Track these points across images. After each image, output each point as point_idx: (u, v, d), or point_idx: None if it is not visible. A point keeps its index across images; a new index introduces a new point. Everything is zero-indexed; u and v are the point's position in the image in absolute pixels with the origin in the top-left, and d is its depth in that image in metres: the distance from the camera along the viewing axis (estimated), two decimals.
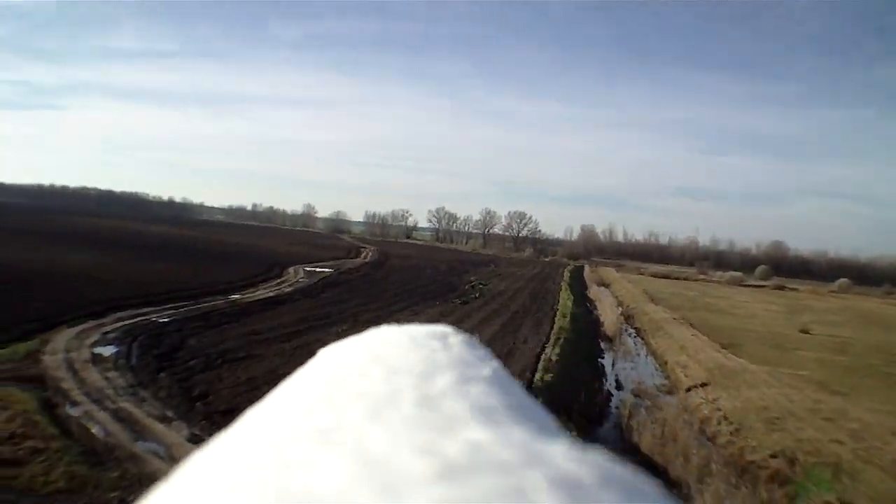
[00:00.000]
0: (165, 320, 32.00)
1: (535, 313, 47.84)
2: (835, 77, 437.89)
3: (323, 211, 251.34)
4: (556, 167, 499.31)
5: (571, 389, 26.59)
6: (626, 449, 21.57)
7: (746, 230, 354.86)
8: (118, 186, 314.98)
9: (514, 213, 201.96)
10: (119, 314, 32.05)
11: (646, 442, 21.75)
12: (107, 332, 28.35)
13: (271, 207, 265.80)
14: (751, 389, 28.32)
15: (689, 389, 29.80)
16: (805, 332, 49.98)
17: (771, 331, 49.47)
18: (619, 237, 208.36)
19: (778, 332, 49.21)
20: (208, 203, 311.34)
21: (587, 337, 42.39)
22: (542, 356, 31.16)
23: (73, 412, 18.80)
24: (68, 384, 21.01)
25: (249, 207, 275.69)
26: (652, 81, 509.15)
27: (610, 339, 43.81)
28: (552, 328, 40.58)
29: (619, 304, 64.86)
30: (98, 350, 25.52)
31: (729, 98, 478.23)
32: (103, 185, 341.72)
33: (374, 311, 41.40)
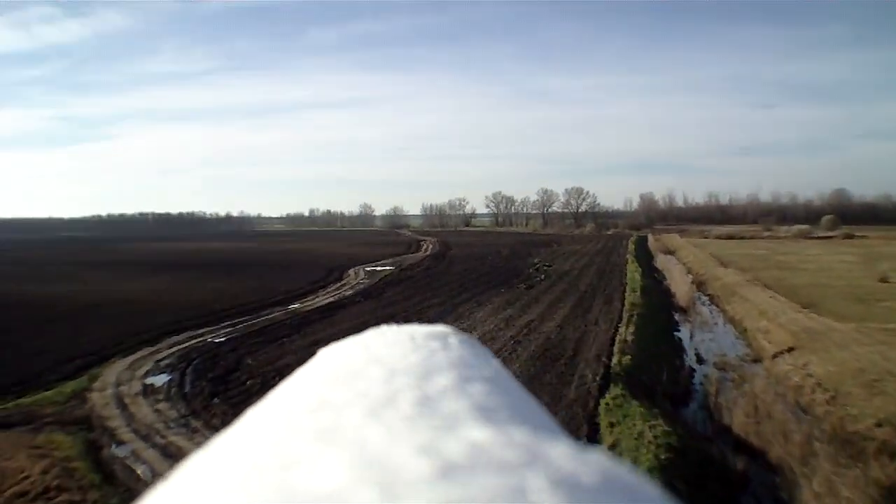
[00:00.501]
0: (221, 340, 31.13)
1: (604, 290, 46.65)
2: (877, 14, 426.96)
3: (380, 208, 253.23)
4: (609, 139, 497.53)
5: (651, 370, 25.41)
6: (718, 431, 20.37)
7: (807, 181, 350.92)
8: (175, 208, 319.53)
9: (572, 189, 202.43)
10: (174, 338, 31.35)
11: (738, 421, 20.25)
12: (160, 360, 27.56)
13: (328, 211, 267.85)
14: (841, 350, 26.82)
15: (774, 356, 28.30)
16: (885, 280, 48.28)
17: (850, 284, 47.60)
18: (679, 202, 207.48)
19: (857, 284, 47.35)
20: (266, 214, 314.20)
21: (660, 310, 40.96)
22: (617, 337, 29.83)
23: (119, 452, 17.97)
24: (116, 422, 20.16)
25: (307, 213, 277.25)
26: (694, 42, 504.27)
27: (684, 310, 42.35)
28: (623, 305, 39.33)
29: (689, 271, 63.30)
30: (150, 380, 24.72)
31: (773, 49, 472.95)
32: (160, 208, 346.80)
33: (438, 305, 40.38)
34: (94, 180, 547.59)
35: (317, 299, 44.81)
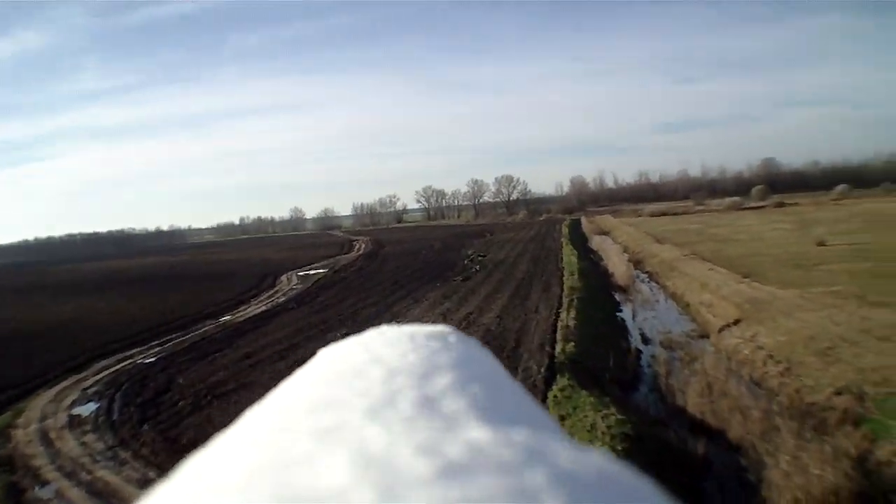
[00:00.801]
0: (151, 360, 29.60)
1: (542, 276, 45.60)
2: None
3: (311, 211, 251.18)
4: (535, 125, 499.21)
5: (597, 355, 24.44)
6: (673, 413, 19.43)
7: (735, 154, 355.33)
8: (104, 227, 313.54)
9: (502, 177, 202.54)
10: (103, 362, 29.78)
11: (692, 401, 19.40)
12: (87, 387, 25.91)
13: (259, 217, 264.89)
14: (788, 318, 26.23)
15: (721, 330, 27.65)
16: (822, 244, 48.30)
17: (787, 251, 47.38)
18: (610, 183, 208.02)
19: (794, 251, 47.08)
20: (196, 225, 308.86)
21: (600, 291, 40.30)
22: (559, 323, 28.71)
23: (43, 494, 16.51)
24: (40, 460, 18.64)
25: (237, 222, 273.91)
26: (615, 23, 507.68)
27: (624, 290, 41.79)
28: (562, 290, 38.30)
29: (625, 250, 62.74)
30: (76, 410, 23.06)
31: (696, 24, 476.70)
32: (89, 228, 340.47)
33: (373, 305, 39.13)
34: (20, 205, 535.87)
35: (248, 309, 43.39)
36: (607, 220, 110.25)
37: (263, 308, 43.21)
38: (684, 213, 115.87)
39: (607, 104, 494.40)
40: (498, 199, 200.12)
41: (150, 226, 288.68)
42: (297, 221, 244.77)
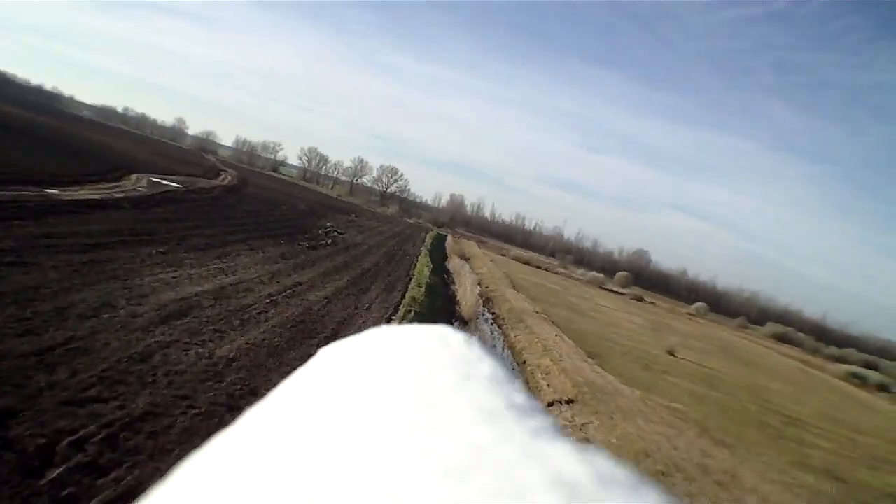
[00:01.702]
0: None
1: (388, 276, 42.25)
2: (722, 102, 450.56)
3: (194, 128, 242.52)
4: (435, 131, 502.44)
5: None
6: None
7: (612, 232, 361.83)
8: None
9: (387, 167, 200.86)
10: None
11: None
12: None
13: (143, 115, 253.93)
14: (626, 421, 23.52)
15: (550, 405, 24.75)
16: (672, 354, 46.72)
17: (637, 347, 45.52)
18: (487, 214, 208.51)
19: (644, 349, 45.18)
20: (78, 98, 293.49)
21: (440, 314, 36.96)
22: None
23: None
24: None
25: (120, 110, 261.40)
26: (545, 65, 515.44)
27: (465, 322, 38.69)
28: (403, 297, 35.30)
29: (479, 283, 59.70)
30: None
31: (616, 98, 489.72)
32: None
33: (207, 237, 34.89)
34: None
35: (80, 191, 38.34)
36: (472, 247, 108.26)
37: (95, 196, 38.11)
38: (547, 269, 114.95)
39: (510, 138, 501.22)
40: (375, 187, 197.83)
41: (33, 79, 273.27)
42: (177, 132, 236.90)
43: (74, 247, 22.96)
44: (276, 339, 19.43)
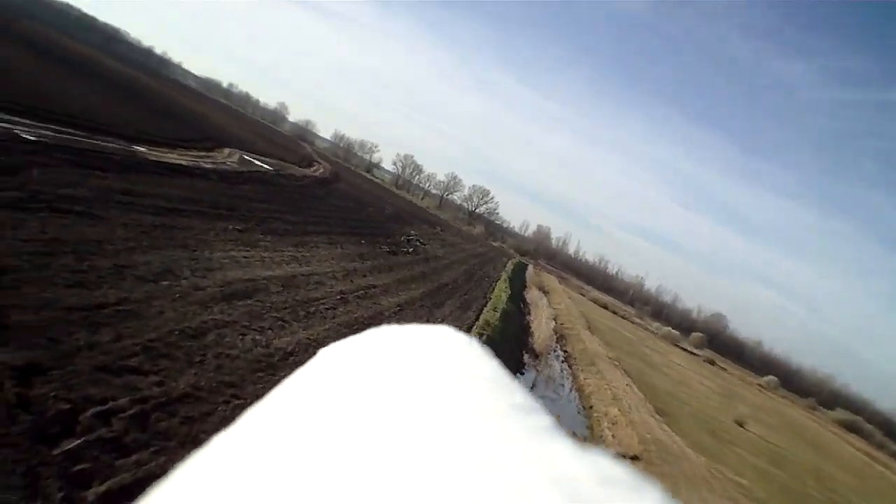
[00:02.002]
0: (29, 137, 23.87)
1: (465, 294, 41.25)
2: (822, 181, 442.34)
3: (295, 115, 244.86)
4: (531, 160, 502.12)
5: None
6: None
7: (689, 289, 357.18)
8: (102, 15, 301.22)
9: (478, 187, 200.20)
10: None
11: None
12: None
13: (247, 93, 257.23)
14: (691, 489, 22.34)
15: (614, 458, 23.30)
16: (740, 424, 45.53)
17: (705, 410, 44.45)
18: (571, 250, 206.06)
19: (713, 415, 44.02)
20: (186, 66, 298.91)
21: (512, 343, 36.01)
22: None
23: None
24: None
25: (225, 85, 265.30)
26: (647, 113, 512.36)
27: (536, 355, 37.63)
28: (477, 318, 34.21)
29: (555, 317, 58.28)
30: None
31: (713, 159, 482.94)
32: (89, 9, 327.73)
33: (289, 223, 34.15)
34: None
35: (168, 155, 37.84)
36: (552, 281, 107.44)
37: (184, 162, 37.57)
38: (623, 316, 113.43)
39: (604, 179, 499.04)
40: (465, 205, 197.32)
41: (145, 41, 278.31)
42: (277, 116, 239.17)
43: (149, 208, 22.16)
44: (339, 339, 18.51)
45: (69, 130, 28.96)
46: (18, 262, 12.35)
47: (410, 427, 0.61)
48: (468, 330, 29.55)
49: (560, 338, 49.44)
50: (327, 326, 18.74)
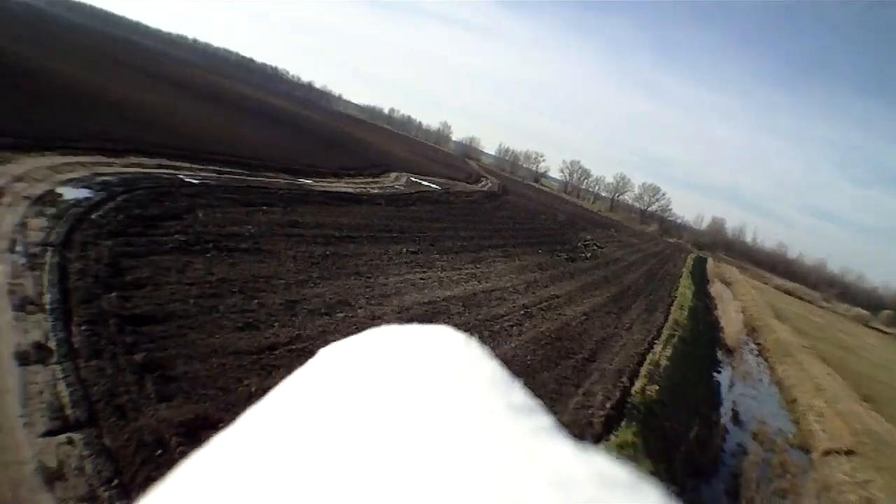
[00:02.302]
0: (192, 181, 24.81)
1: (649, 296, 40.29)
2: None
3: (458, 134, 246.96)
4: (696, 153, 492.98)
5: (678, 416, 19.25)
6: None
7: (875, 266, 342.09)
8: (260, 57, 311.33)
9: (648, 185, 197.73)
10: (143, 159, 25.19)
11: None
12: (101, 173, 21.17)
13: (409, 117, 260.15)
14: None
15: (826, 453, 22.33)
16: None
17: None
18: (748, 239, 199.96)
19: None
20: (346, 97, 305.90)
21: (703, 341, 35.00)
22: (649, 356, 23.64)
23: None
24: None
25: (386, 111, 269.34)
26: (818, 94, 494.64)
27: (729, 351, 36.45)
28: (666, 320, 33.10)
29: (743, 310, 56.60)
30: (63, 189, 18.12)
31: (889, 131, 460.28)
32: (247, 52, 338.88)
33: (462, 240, 34.09)
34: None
35: (336, 184, 38.62)
36: (733, 272, 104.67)
37: (350, 190, 38.17)
38: (810, 301, 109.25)
39: (773, 166, 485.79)
40: (636, 205, 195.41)
41: (303, 76, 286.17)
42: (440, 136, 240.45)
43: (318, 238, 22.68)
44: (528, 357, 18.17)
45: (233, 170, 29.98)
46: (185, 307, 12.45)
47: (410, 427, 0.62)
48: (658, 332, 29.02)
49: (751, 330, 48.01)
50: (514, 344, 18.44)
